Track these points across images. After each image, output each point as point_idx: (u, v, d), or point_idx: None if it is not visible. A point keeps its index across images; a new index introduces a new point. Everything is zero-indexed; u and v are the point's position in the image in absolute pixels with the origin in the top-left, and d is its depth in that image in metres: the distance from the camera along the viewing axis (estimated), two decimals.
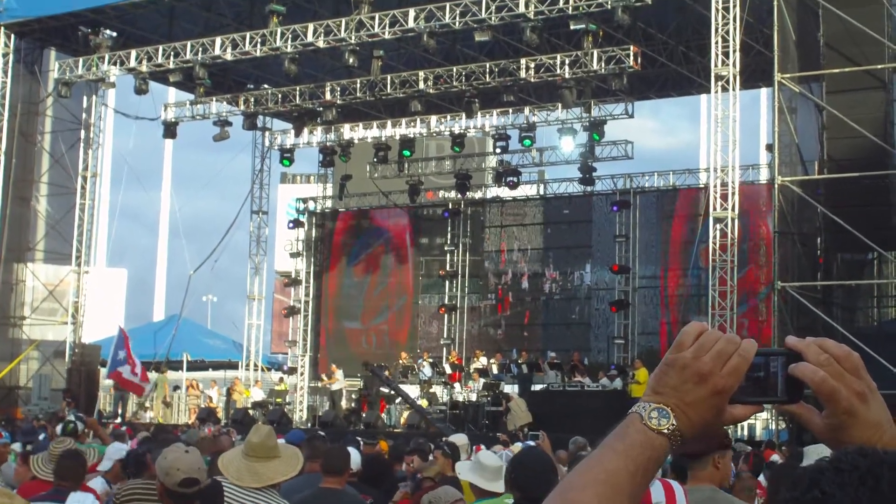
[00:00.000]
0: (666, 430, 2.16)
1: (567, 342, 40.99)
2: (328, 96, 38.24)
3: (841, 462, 1.85)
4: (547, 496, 2.14)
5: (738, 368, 2.16)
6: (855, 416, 2.14)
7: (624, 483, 2.11)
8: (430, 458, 12.85)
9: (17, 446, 15.01)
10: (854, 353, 2.18)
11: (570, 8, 30.34)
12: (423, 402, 36.46)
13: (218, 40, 35.46)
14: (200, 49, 35.70)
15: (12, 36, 38.66)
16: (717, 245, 29.71)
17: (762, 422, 35.51)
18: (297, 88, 38.88)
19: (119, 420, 36.16)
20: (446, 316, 44.50)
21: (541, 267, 43.14)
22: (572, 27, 31.53)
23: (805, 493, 1.84)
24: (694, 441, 6.05)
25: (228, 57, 35.56)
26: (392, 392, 36.52)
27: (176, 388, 43.76)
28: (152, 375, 44.41)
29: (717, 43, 29.65)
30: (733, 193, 29.65)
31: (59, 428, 17.95)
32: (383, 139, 42.79)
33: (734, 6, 29.24)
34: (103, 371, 38.13)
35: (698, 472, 6.75)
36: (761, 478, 13.51)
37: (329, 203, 47.75)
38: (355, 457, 11.19)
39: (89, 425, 16.68)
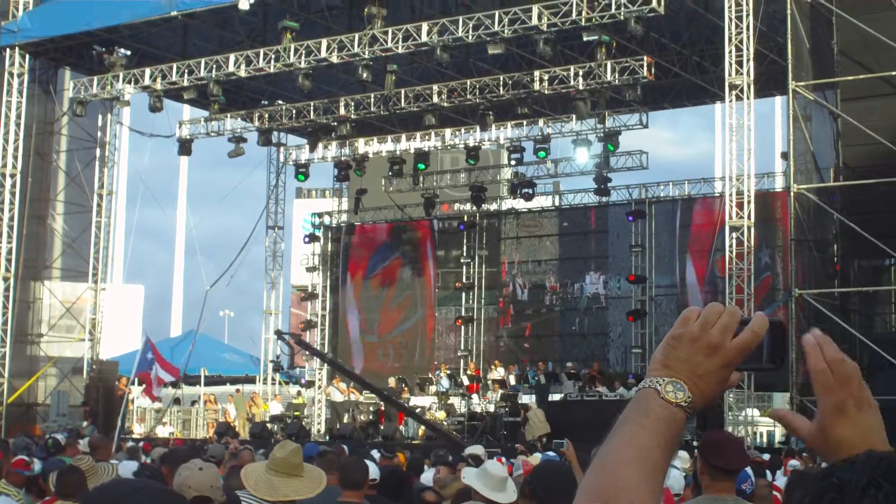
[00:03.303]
0: (684, 403, 2.20)
1: (584, 352, 41.04)
2: (342, 111, 38.31)
3: (851, 459, 1.91)
4: (587, 472, 2.16)
5: (747, 345, 2.22)
6: (844, 415, 2.20)
7: (658, 459, 2.14)
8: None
9: (37, 463, 14.99)
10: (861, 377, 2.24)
11: (583, 20, 30.34)
12: (441, 414, 36.50)
13: (231, 57, 35.55)
14: (214, 66, 35.79)
15: (27, 56, 38.79)
16: (734, 253, 29.69)
17: (781, 428, 35.44)
18: (312, 104, 38.94)
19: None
20: (463, 327, 44.52)
21: (556, 278, 43.15)
22: (585, 39, 31.51)
23: (821, 482, 1.88)
24: (732, 457, 5.92)
25: (242, 73, 35.65)
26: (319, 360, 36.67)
27: (193, 402, 43.83)
28: (232, 395, 44.65)
29: (730, 52, 29.65)
30: (749, 202, 29.64)
31: (82, 443, 17.92)
32: (398, 153, 42.82)
33: (747, 15, 29.24)
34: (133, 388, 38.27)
35: (722, 485, 6.69)
36: (780, 481, 13.50)
37: (345, 217, 47.82)
38: (372, 469, 11.19)
39: (95, 446, 16.33)
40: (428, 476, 13.97)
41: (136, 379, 34.78)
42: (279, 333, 41.62)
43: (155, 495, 2.92)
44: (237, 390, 46.44)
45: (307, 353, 38.46)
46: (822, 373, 2.20)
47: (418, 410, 36.77)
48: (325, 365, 44.51)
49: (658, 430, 2.16)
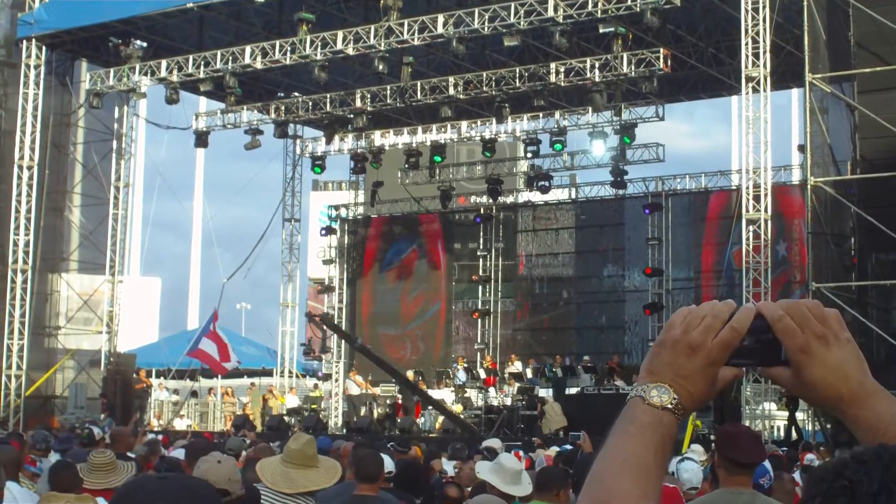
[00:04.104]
0: (669, 405, 2.24)
1: (602, 345, 40.99)
2: (358, 103, 38.32)
3: (863, 454, 1.91)
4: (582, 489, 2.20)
5: (728, 342, 2.26)
6: (810, 354, 2.24)
7: (649, 463, 2.19)
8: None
9: (54, 456, 15.05)
10: (832, 309, 2.28)
11: (599, 11, 30.27)
12: (458, 408, 36.49)
13: (248, 49, 35.55)
14: (230, 58, 35.79)
15: (44, 48, 38.82)
16: (751, 247, 29.61)
17: (798, 423, 35.38)
18: (328, 96, 38.98)
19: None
20: (480, 321, 44.50)
21: (573, 270, 43.12)
22: (601, 30, 31.51)
23: (832, 483, 1.89)
24: (748, 450, 5.94)
25: (258, 65, 35.65)
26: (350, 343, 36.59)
27: (210, 390, 44.02)
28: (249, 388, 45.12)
29: (746, 44, 29.55)
30: (766, 195, 29.55)
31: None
32: (414, 145, 42.83)
33: (763, 7, 29.14)
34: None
35: (738, 479, 6.69)
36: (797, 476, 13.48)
37: (361, 210, 47.83)
38: (388, 462, 11.20)
39: (115, 438, 16.35)
40: (447, 467, 13.99)
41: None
42: (310, 316, 41.41)
43: (181, 484, 2.94)
44: (252, 384, 46.59)
45: (334, 334, 38.32)
46: (780, 319, 2.24)
47: None
48: (342, 359, 44.62)
49: (645, 435, 2.21)
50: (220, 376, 46.47)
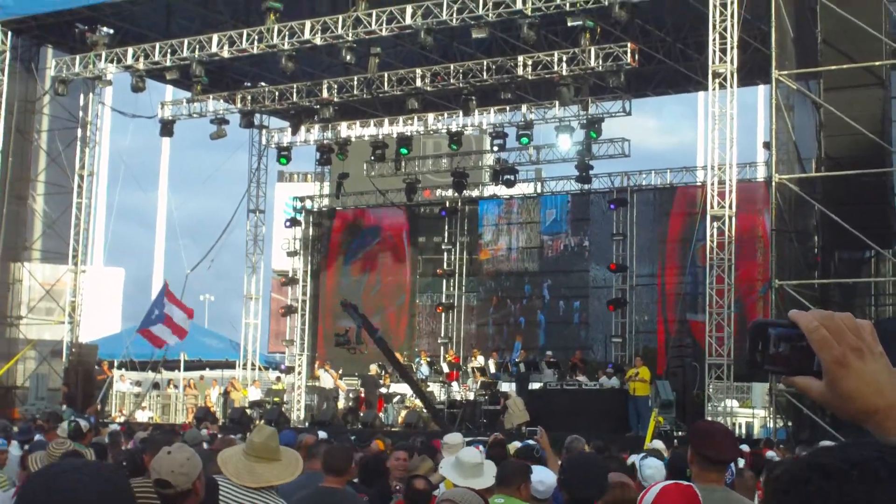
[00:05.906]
0: None
1: (565, 341, 40.97)
2: (325, 94, 38.21)
3: (839, 442, 1.91)
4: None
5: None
6: (846, 367, 2.22)
7: None
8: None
9: (14, 446, 14.95)
10: (865, 322, 2.26)
11: (568, 5, 30.29)
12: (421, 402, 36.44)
13: (215, 38, 35.38)
14: (197, 46, 35.62)
15: (9, 33, 38.59)
16: (715, 243, 29.67)
17: (760, 420, 35.51)
18: (294, 86, 38.85)
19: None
20: (444, 315, 44.45)
21: (538, 265, 43.09)
22: (570, 24, 31.46)
23: (814, 453, 1.93)
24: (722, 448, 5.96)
25: (225, 54, 35.50)
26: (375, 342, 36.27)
27: (170, 383, 43.89)
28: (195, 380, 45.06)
29: (714, 40, 29.62)
30: (731, 191, 29.62)
31: (61, 427, 17.92)
32: (380, 137, 42.73)
33: (731, 3, 29.22)
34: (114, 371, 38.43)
35: (711, 475, 6.66)
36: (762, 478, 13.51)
37: (326, 201, 47.69)
38: None
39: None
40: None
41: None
42: (345, 304, 41.11)
43: (92, 473, 2.85)
44: (201, 377, 46.49)
45: (358, 324, 38.01)
46: (816, 330, 2.22)
47: (397, 398, 36.90)
48: (305, 352, 44.58)
49: None
50: (182, 368, 46.40)
